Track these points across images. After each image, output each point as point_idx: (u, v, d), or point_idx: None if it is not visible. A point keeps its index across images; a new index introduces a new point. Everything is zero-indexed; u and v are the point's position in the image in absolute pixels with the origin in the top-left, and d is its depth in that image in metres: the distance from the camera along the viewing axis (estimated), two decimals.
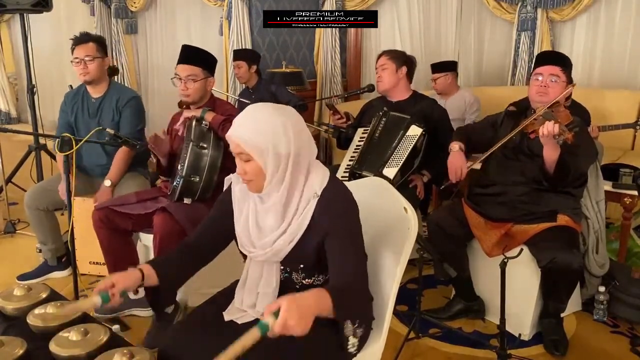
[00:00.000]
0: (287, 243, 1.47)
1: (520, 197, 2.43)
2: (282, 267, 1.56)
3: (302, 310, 1.21)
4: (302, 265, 1.53)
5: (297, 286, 1.58)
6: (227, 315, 1.56)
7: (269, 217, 1.49)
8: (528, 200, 2.42)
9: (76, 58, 2.90)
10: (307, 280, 1.57)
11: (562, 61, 2.47)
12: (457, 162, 2.54)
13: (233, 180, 1.61)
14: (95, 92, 3.00)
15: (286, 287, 1.57)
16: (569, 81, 2.44)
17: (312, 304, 1.26)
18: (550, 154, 2.28)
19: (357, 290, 1.46)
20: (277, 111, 1.45)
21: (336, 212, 1.45)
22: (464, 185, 2.68)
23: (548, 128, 2.17)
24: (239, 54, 4.47)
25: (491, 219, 2.47)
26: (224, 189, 1.65)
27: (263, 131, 1.40)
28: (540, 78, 2.43)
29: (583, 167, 2.41)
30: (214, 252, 1.66)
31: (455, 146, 2.60)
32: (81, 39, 2.92)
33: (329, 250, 1.47)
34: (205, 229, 1.66)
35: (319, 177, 1.48)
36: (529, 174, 2.44)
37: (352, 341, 1.37)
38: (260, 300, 1.55)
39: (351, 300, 1.41)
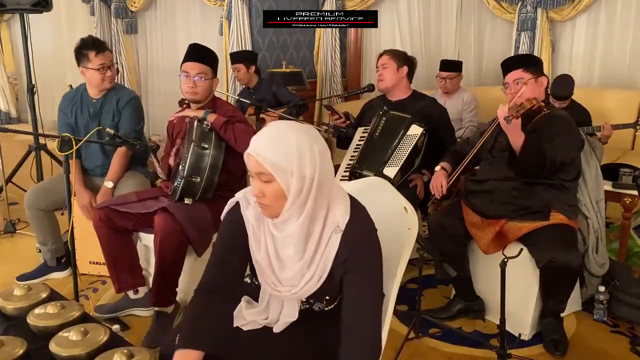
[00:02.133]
0: (315, 283, 1.39)
1: (512, 192, 2.44)
2: (304, 300, 1.48)
3: None
4: (327, 297, 1.47)
5: (317, 310, 1.52)
6: (235, 321, 1.50)
7: (288, 247, 1.38)
8: (519, 195, 2.42)
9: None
10: (328, 307, 1.51)
11: (521, 62, 2.53)
12: (437, 179, 2.66)
13: (242, 204, 1.46)
14: (95, 94, 3.00)
15: (307, 314, 1.51)
16: (538, 75, 2.48)
17: None
18: (513, 140, 2.33)
19: (372, 340, 1.38)
20: (303, 132, 1.34)
21: (360, 249, 1.37)
22: (463, 186, 2.68)
23: (500, 113, 2.29)
24: (235, 57, 4.41)
25: (486, 216, 2.47)
26: (226, 210, 1.50)
27: (289, 151, 1.28)
28: (507, 87, 2.52)
29: (563, 156, 2.36)
30: (238, 283, 1.52)
31: (438, 167, 2.72)
32: (102, 47, 2.90)
33: (346, 284, 1.39)
34: (221, 262, 1.49)
35: (342, 209, 1.37)
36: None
37: None
38: (278, 325, 1.49)
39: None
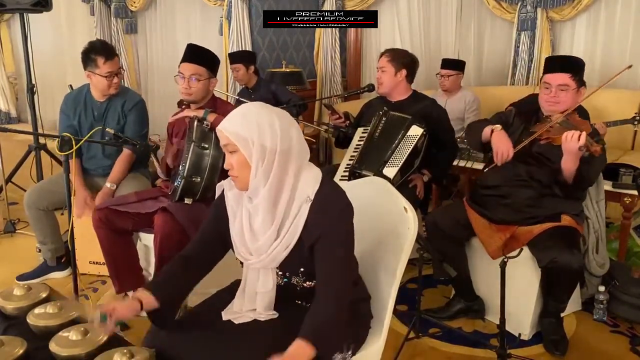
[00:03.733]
0: (283, 250, 1.47)
1: (526, 200, 2.42)
2: (280, 273, 1.55)
3: None
4: (302, 269, 1.52)
5: (298, 288, 1.56)
6: (225, 315, 1.56)
7: (258, 216, 1.49)
8: (533, 204, 2.41)
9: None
10: (307, 282, 1.54)
11: (571, 68, 2.36)
12: (505, 144, 2.34)
13: (225, 186, 1.61)
14: (100, 97, 2.96)
15: (288, 291, 1.56)
16: (581, 85, 2.37)
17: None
18: (570, 165, 2.23)
19: (341, 312, 1.46)
20: (267, 109, 1.49)
21: (328, 218, 1.44)
22: (465, 186, 2.67)
23: (575, 138, 2.12)
24: (234, 57, 4.40)
25: (495, 221, 2.46)
26: (216, 195, 1.65)
27: (249, 123, 1.44)
28: (548, 88, 2.37)
29: (597, 175, 2.39)
30: (213, 260, 1.66)
31: (497, 126, 2.41)
32: (111, 53, 2.85)
33: (317, 255, 1.46)
34: (202, 237, 1.66)
35: (311, 181, 1.47)
36: (537, 177, 2.41)
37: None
38: (259, 300, 1.55)
39: (335, 331, 1.44)
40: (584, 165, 2.22)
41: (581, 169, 2.23)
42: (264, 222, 1.48)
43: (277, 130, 1.44)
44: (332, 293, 1.45)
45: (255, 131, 1.42)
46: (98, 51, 2.82)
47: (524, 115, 2.55)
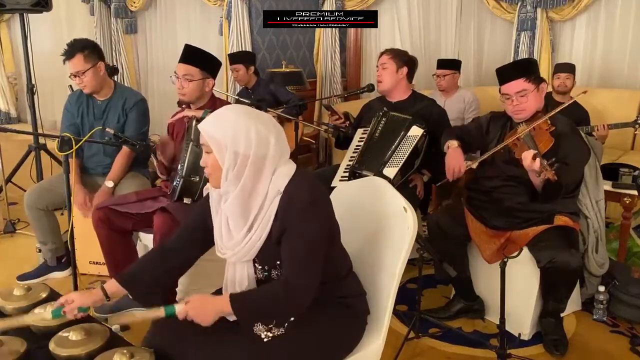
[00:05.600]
0: (256, 242, 1.49)
1: (517, 204, 2.41)
2: (259, 267, 1.56)
3: (201, 308, 1.46)
4: (278, 262, 1.53)
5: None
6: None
7: (230, 215, 1.52)
8: (524, 208, 2.40)
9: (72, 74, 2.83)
10: None
11: (524, 71, 2.34)
12: (456, 161, 2.43)
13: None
14: (100, 95, 2.97)
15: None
16: (539, 82, 2.34)
17: (215, 305, 1.47)
18: (534, 180, 2.23)
19: (291, 305, 1.47)
20: (247, 114, 1.48)
21: (292, 212, 1.45)
22: (464, 184, 2.67)
23: (528, 163, 2.10)
24: (235, 58, 4.41)
25: (490, 227, 2.46)
26: (204, 193, 1.67)
27: (225, 128, 1.44)
28: (509, 98, 2.36)
29: (577, 176, 2.37)
30: (193, 254, 1.68)
31: (454, 143, 2.50)
32: (69, 53, 2.84)
33: (282, 248, 1.48)
34: (185, 231, 1.69)
35: (283, 175, 1.48)
36: (524, 180, 2.37)
37: (265, 334, 1.51)
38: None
39: (260, 310, 1.48)
40: (559, 168, 2.13)
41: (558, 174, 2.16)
42: (235, 224, 1.51)
43: (253, 137, 1.43)
44: (281, 287, 1.46)
45: (229, 137, 1.43)
46: (65, 50, 2.85)
47: (499, 118, 2.57)
